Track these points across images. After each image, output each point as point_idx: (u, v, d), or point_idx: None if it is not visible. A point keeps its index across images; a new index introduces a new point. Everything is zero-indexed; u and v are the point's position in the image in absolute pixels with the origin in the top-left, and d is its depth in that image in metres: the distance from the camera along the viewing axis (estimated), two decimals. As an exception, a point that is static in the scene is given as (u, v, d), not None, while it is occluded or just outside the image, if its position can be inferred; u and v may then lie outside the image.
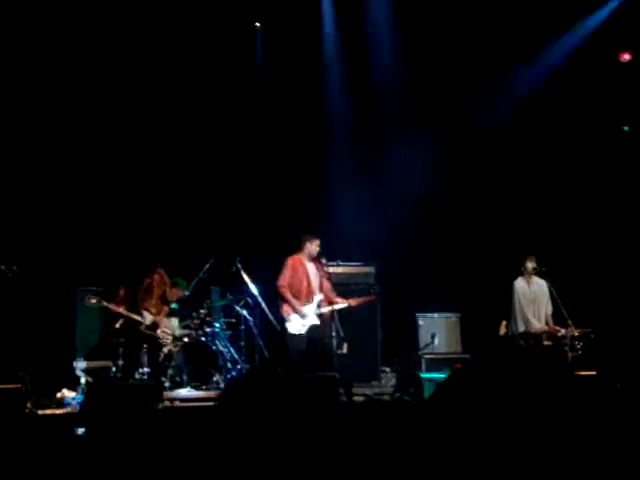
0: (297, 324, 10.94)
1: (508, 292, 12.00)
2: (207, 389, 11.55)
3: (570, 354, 11.23)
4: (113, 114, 13.13)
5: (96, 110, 13.05)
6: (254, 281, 12.08)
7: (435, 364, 12.26)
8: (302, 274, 11.13)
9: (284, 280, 11.09)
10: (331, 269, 11.71)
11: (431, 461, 3.82)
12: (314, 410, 4.11)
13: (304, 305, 10.99)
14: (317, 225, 12.21)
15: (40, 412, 9.30)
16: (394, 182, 13.81)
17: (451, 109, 13.76)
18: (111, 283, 11.74)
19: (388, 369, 12.76)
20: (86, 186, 13.01)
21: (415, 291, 13.41)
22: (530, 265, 11.89)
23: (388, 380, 12.43)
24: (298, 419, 3.95)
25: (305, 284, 11.11)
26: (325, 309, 11.01)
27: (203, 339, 11.96)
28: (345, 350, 11.21)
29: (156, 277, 11.16)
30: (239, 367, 12.02)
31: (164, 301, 11.48)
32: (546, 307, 11.92)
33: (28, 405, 9.08)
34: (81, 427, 6.74)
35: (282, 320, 11.13)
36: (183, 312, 12.34)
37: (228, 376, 11.69)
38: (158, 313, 11.22)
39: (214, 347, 11.98)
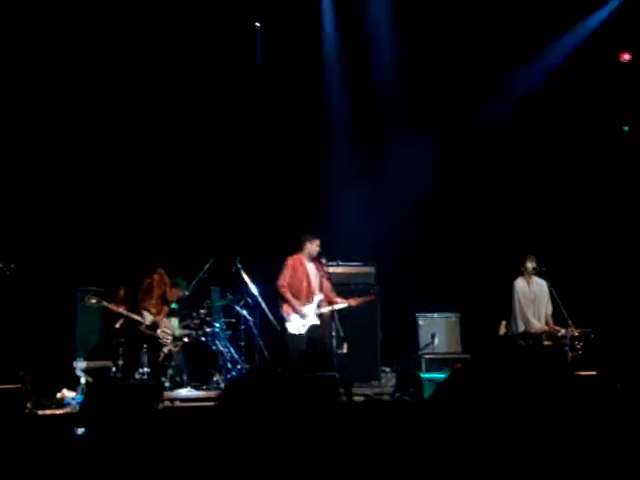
0: (297, 324, 10.94)
1: (508, 292, 12.00)
2: (207, 389, 11.55)
3: (570, 354, 11.22)
4: (113, 114, 13.13)
5: (96, 110, 13.05)
6: (254, 281, 12.08)
7: (435, 364, 12.26)
8: (302, 274, 11.13)
9: (284, 280, 11.09)
10: (331, 269, 11.71)
11: (431, 461, 3.82)
12: (314, 410, 4.11)
13: (304, 305, 10.99)
14: (317, 225, 12.21)
15: (40, 412, 9.30)
16: (394, 182, 13.80)
17: (450, 109, 13.75)
18: (111, 283, 11.73)
19: (388, 369, 12.76)
20: (86, 185, 13.01)
21: (415, 291, 13.41)
22: (530, 265, 11.89)
23: (388, 380, 12.43)
24: (298, 419, 3.95)
25: (305, 284, 11.10)
26: (325, 309, 11.01)
27: (203, 339, 11.96)
28: (345, 350, 11.21)
29: (156, 277, 11.15)
30: (239, 367, 12.02)
31: (164, 301, 11.48)
32: (546, 307, 11.92)
33: (28, 405, 9.08)
34: (81, 427, 6.74)
35: (282, 320, 11.12)
36: (183, 312, 12.34)
37: (228, 376, 11.69)
38: (158, 313, 11.22)
39: (214, 347, 11.98)
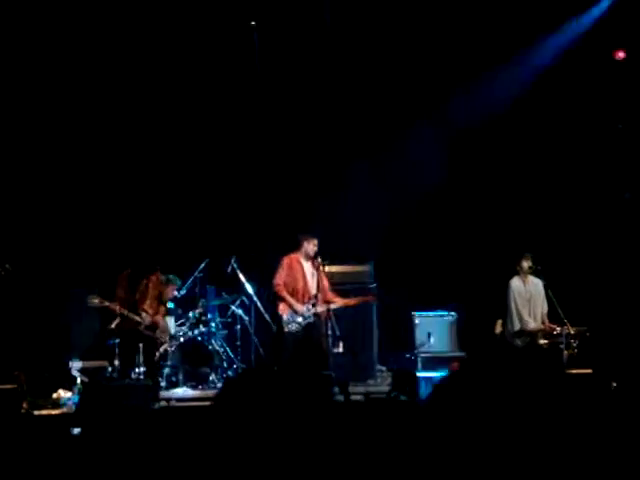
0: (293, 323, 10.94)
1: (504, 291, 12.02)
2: (203, 389, 11.56)
3: (566, 352, 11.23)
4: (110, 114, 13.11)
5: (93, 111, 13.02)
6: (250, 280, 12.08)
7: (431, 363, 12.25)
8: (298, 273, 11.13)
9: (280, 279, 11.09)
10: (327, 268, 11.69)
11: (426, 460, 3.82)
12: (309, 409, 4.11)
13: (300, 304, 10.99)
14: (314, 224, 12.20)
15: (36, 412, 9.29)
16: (391, 181, 13.82)
17: (446, 107, 13.73)
18: (105, 283, 11.68)
19: (384, 368, 12.76)
20: (80, 185, 13.00)
21: (411, 290, 13.41)
22: (526, 264, 11.90)
23: (384, 379, 12.43)
24: (294, 418, 3.94)
25: (301, 283, 11.10)
26: (321, 308, 10.99)
27: (199, 339, 11.97)
28: (341, 349, 11.20)
29: (153, 278, 11.11)
30: (235, 366, 12.03)
31: (161, 301, 11.45)
32: (542, 306, 11.93)
33: (24, 405, 9.07)
34: (77, 427, 6.73)
35: (278, 319, 11.12)
36: (179, 311, 12.35)
37: (224, 375, 11.70)
38: (156, 313, 11.18)
39: (210, 347, 11.99)
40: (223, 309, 12.70)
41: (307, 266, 11.19)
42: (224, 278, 12.36)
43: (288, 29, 13.15)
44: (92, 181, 13.06)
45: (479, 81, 13.53)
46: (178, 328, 12.04)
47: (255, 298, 12.00)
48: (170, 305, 12.01)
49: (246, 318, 12.32)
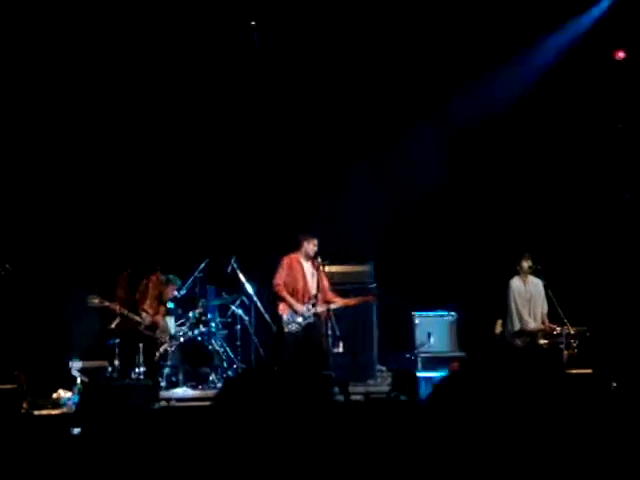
0: (293, 323, 10.94)
1: (504, 291, 12.02)
2: (203, 389, 11.56)
3: (566, 352, 11.23)
4: (111, 115, 13.09)
5: (95, 112, 13.01)
6: (250, 280, 12.07)
7: (431, 363, 12.25)
8: (298, 273, 11.13)
9: (280, 279, 11.09)
10: (327, 268, 11.68)
11: (426, 461, 3.82)
12: (309, 409, 4.10)
13: (300, 304, 10.98)
14: (314, 224, 12.19)
15: (36, 412, 9.29)
16: (391, 181, 13.82)
17: (446, 107, 13.72)
18: (104, 284, 11.67)
19: (384, 368, 12.76)
20: (80, 185, 12.99)
21: (411, 290, 13.41)
22: (526, 264, 11.90)
23: (384, 379, 12.42)
24: (293, 418, 3.94)
25: (301, 283, 11.10)
26: (321, 308, 10.98)
27: (199, 339, 11.96)
28: (341, 349, 11.19)
29: (153, 278, 11.10)
30: (235, 366, 12.03)
31: (161, 301, 11.43)
32: (542, 306, 11.94)
33: (24, 405, 9.07)
34: (77, 427, 6.73)
35: (278, 319, 11.12)
36: (179, 311, 12.34)
37: (224, 375, 11.70)
38: (156, 313, 11.17)
39: (210, 346, 11.99)
40: (223, 309, 12.70)
41: (307, 266, 11.18)
42: (224, 278, 12.36)
43: (288, 29, 13.12)
44: (92, 181, 13.05)
45: (479, 81, 13.52)
46: (178, 328, 12.04)
47: (255, 298, 11.99)
48: (170, 305, 12.01)
49: (246, 318, 12.32)
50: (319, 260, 11.12)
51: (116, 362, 10.76)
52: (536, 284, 11.94)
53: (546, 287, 11.76)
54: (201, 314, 12.03)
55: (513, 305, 11.88)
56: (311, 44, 13.27)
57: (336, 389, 9.76)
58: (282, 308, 11.03)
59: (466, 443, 3.76)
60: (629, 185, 13.41)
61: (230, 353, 12.14)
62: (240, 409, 3.88)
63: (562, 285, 11.89)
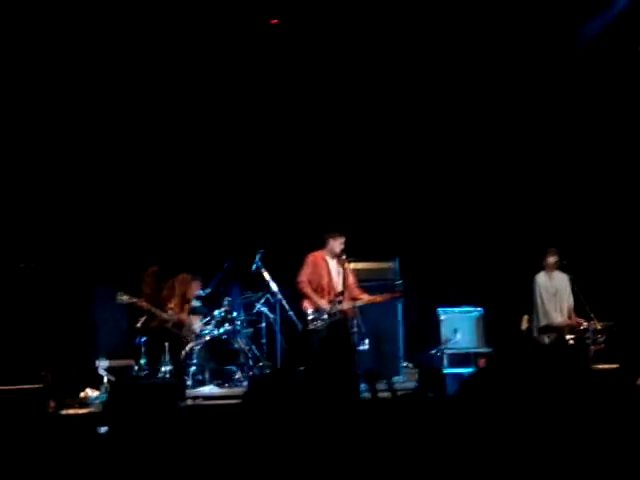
0: (318, 320, 10.92)
1: (530, 287, 11.97)
2: (229, 386, 11.56)
3: (593, 347, 11.19)
4: (134, 115, 13.10)
5: (117, 112, 13.01)
6: (275, 278, 12.07)
7: (457, 359, 12.23)
8: (323, 270, 11.10)
9: (304, 276, 11.07)
10: (353, 265, 11.65)
11: (453, 457, 3.80)
12: (336, 406, 4.09)
13: (325, 301, 10.97)
14: (339, 221, 12.15)
15: (63, 412, 9.32)
16: (415, 176, 13.81)
17: (473, 101, 13.68)
18: (129, 281, 11.68)
19: (410, 364, 12.74)
20: (106, 184, 13.03)
21: (437, 286, 13.38)
22: (552, 259, 11.87)
23: (410, 375, 12.40)
24: (320, 416, 3.93)
25: (326, 280, 11.08)
26: (346, 305, 10.96)
27: (224, 337, 11.97)
28: (366, 346, 11.17)
29: (179, 278, 11.10)
30: (261, 364, 12.03)
31: (186, 300, 11.43)
32: (568, 300, 11.91)
33: (51, 405, 9.10)
34: (104, 426, 6.75)
35: (303, 316, 11.11)
36: (204, 310, 12.35)
37: (250, 373, 11.70)
38: (181, 311, 11.18)
39: (235, 345, 11.99)
40: (248, 307, 12.70)
41: (332, 263, 11.16)
42: (249, 276, 12.36)
43: (304, 26, 13.05)
44: (118, 180, 13.09)
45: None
46: (204, 326, 12.05)
47: (280, 296, 11.98)
48: (197, 303, 12.02)
49: (271, 316, 12.32)
50: (344, 257, 11.09)
51: (142, 361, 10.79)
52: (562, 279, 11.91)
53: (572, 282, 11.71)
54: (227, 312, 12.03)
55: (539, 300, 11.84)
56: (327, 42, 13.18)
57: (363, 386, 9.73)
58: (306, 305, 11.01)
59: (494, 439, 3.73)
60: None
61: (255, 351, 12.13)
62: (267, 407, 3.87)
63: (589, 280, 11.84)
